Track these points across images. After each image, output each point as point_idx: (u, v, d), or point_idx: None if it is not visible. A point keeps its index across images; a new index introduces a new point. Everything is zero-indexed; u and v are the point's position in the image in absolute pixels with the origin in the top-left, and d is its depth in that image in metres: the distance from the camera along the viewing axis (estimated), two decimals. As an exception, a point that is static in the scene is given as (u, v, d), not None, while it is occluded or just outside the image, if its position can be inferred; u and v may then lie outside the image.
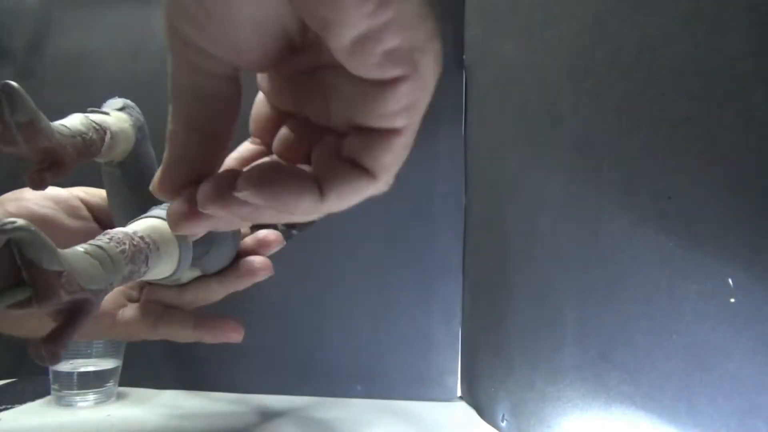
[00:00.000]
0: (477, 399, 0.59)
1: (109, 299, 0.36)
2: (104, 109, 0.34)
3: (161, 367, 0.66)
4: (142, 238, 0.27)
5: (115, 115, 0.34)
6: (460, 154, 0.65)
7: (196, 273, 0.35)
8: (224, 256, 0.35)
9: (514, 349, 0.49)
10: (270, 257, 0.65)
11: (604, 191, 0.36)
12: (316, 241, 0.66)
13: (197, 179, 0.20)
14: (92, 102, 0.34)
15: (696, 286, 0.28)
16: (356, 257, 0.65)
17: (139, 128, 0.35)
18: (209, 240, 0.32)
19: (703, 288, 0.28)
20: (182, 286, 0.36)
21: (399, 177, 0.72)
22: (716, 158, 0.27)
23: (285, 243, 0.40)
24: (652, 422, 0.31)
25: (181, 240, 0.29)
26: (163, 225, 0.28)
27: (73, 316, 0.22)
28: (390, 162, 0.19)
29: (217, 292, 0.37)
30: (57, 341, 0.21)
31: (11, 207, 0.36)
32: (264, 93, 0.23)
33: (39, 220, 0.36)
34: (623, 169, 0.34)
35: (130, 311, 0.37)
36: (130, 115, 0.35)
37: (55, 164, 0.27)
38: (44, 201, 0.37)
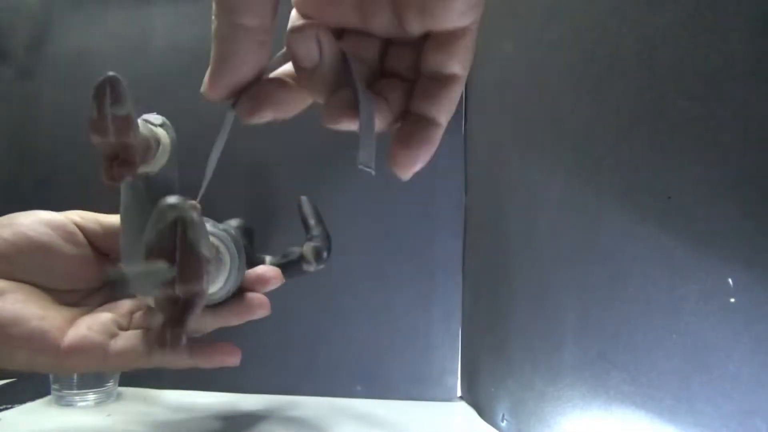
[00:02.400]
0: (477, 399, 0.59)
1: (99, 329, 0.36)
2: (151, 119, 0.34)
3: (160, 367, 0.66)
4: (217, 250, 0.28)
5: (159, 130, 0.34)
6: (460, 153, 0.65)
7: None
8: (228, 288, 0.35)
9: (514, 349, 0.49)
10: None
11: (604, 191, 0.36)
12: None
13: (245, 79, 0.21)
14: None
15: (696, 286, 0.28)
16: (356, 257, 0.65)
17: (174, 145, 0.35)
18: (234, 266, 0.33)
19: (703, 288, 0.28)
20: None
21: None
22: (716, 158, 0.27)
23: (284, 281, 0.40)
24: (652, 422, 0.31)
25: (234, 260, 0.29)
26: (222, 245, 0.28)
27: (188, 306, 0.22)
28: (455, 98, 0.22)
29: (209, 324, 0.37)
30: (180, 324, 0.21)
31: (5, 232, 0.35)
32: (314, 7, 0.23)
33: (35, 247, 0.35)
34: (623, 169, 0.34)
35: (122, 340, 0.36)
36: (168, 132, 0.35)
37: (127, 163, 0.27)
38: (40, 227, 0.36)
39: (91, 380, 0.58)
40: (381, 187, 0.65)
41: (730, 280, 0.26)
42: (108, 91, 0.25)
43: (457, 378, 0.64)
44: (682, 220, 0.29)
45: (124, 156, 0.27)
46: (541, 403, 0.43)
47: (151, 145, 0.31)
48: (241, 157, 0.68)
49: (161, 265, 0.20)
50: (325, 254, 0.44)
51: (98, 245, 0.39)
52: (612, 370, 0.35)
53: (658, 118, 0.31)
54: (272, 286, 0.38)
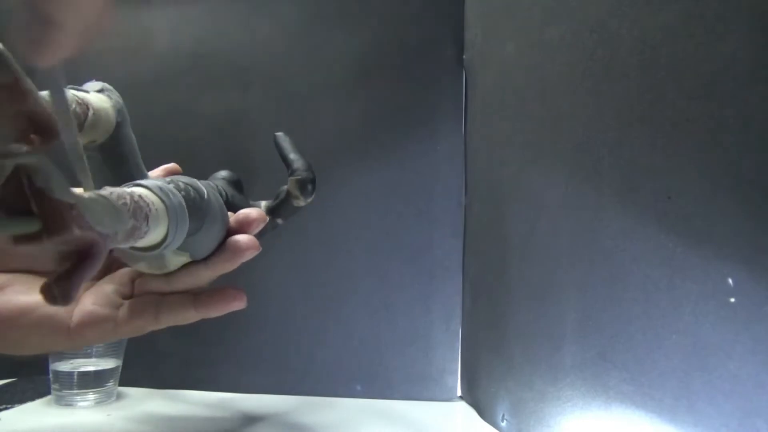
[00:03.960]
0: (477, 399, 0.59)
1: (104, 302, 0.36)
2: (83, 87, 0.34)
3: (161, 366, 0.66)
4: (140, 197, 0.26)
5: (95, 96, 0.33)
6: (460, 153, 0.65)
7: (184, 258, 0.35)
8: (213, 239, 0.35)
9: (514, 349, 0.49)
10: (270, 258, 0.65)
11: (603, 191, 0.36)
12: (316, 240, 0.66)
13: None
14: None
15: (696, 286, 0.28)
16: (356, 256, 0.65)
17: (119, 110, 0.35)
18: (203, 215, 0.32)
19: (703, 288, 0.28)
20: (170, 274, 0.36)
21: (400, 176, 0.72)
22: (716, 158, 0.27)
23: (267, 220, 0.39)
24: (652, 422, 0.31)
25: (176, 208, 0.28)
26: (152, 194, 0.27)
27: (83, 258, 0.20)
28: None
29: (204, 276, 0.36)
30: (69, 279, 0.20)
31: None
32: None
33: None
34: (623, 168, 0.34)
35: (127, 308, 0.36)
36: (110, 97, 0.34)
37: (45, 132, 0.26)
38: None
39: (91, 380, 0.58)
40: (381, 188, 0.65)
41: (730, 280, 0.26)
42: None
43: (457, 378, 0.64)
44: (682, 220, 0.29)
45: (37, 126, 0.26)
46: (541, 403, 0.43)
47: (76, 111, 0.30)
48: (242, 157, 0.68)
49: (17, 220, 0.18)
50: (309, 186, 0.43)
51: None
52: (612, 370, 0.35)
53: (658, 118, 0.31)
54: (258, 227, 0.38)
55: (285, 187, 0.44)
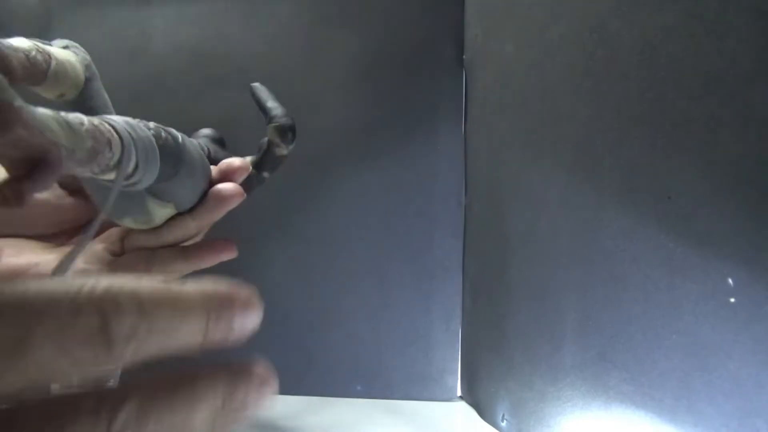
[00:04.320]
0: (477, 398, 0.59)
1: (94, 260, 0.36)
2: (36, 40, 0.34)
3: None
4: (101, 122, 0.26)
5: (59, 50, 0.33)
6: (460, 153, 0.65)
7: (169, 209, 0.35)
8: (194, 188, 0.35)
9: (514, 349, 0.49)
10: (270, 258, 0.65)
11: (603, 191, 0.36)
12: (316, 240, 0.66)
13: None
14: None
15: (696, 286, 0.28)
16: (356, 256, 0.65)
17: (86, 66, 0.35)
18: (178, 158, 0.32)
19: (703, 288, 0.28)
20: (158, 228, 0.36)
21: (400, 176, 0.72)
22: (716, 158, 0.27)
23: (250, 170, 0.39)
24: (652, 422, 0.31)
25: (144, 141, 0.29)
26: (114, 123, 0.27)
27: (38, 165, 0.20)
28: None
29: (191, 227, 0.36)
30: (22, 181, 0.20)
31: None
32: None
33: None
34: (623, 169, 0.34)
35: (118, 264, 0.36)
36: (76, 53, 0.35)
37: (4, 73, 0.26)
38: None
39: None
40: (381, 188, 0.65)
41: (730, 280, 0.26)
42: None
43: (457, 378, 0.64)
44: (682, 220, 0.29)
45: None
46: (541, 403, 0.43)
47: (34, 58, 0.30)
48: (245, 151, 0.68)
49: None
50: (289, 133, 0.43)
51: (67, 184, 0.39)
52: (612, 370, 0.35)
53: (658, 118, 0.31)
54: (241, 175, 0.38)
55: (265, 138, 0.43)
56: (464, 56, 0.65)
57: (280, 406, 0.60)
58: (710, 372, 0.27)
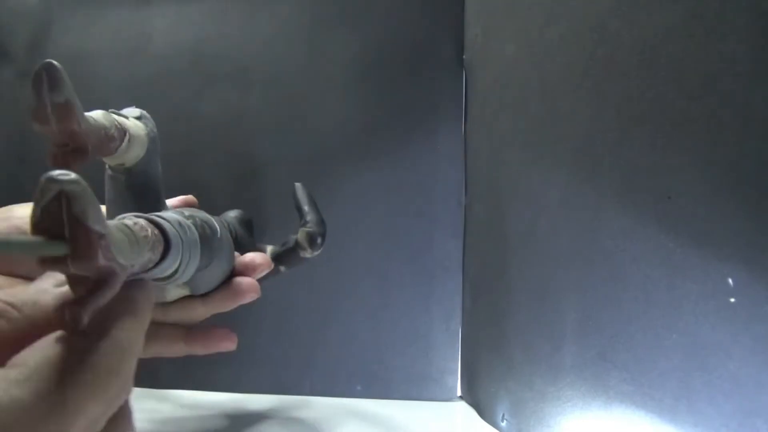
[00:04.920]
0: (477, 399, 0.59)
1: None
2: (123, 112, 0.34)
3: (157, 366, 0.66)
4: (160, 229, 0.27)
5: (132, 122, 0.34)
6: (460, 153, 0.65)
7: (184, 292, 0.35)
8: (217, 277, 0.35)
9: (514, 349, 0.49)
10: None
11: (603, 191, 0.36)
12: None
13: None
14: (92, 103, 0.34)
15: (696, 286, 0.28)
16: (356, 256, 0.65)
17: (152, 139, 0.35)
18: (214, 253, 0.32)
19: (703, 288, 0.28)
20: (166, 304, 0.36)
21: (400, 176, 0.72)
22: (716, 158, 0.27)
23: (272, 267, 0.40)
24: (652, 422, 0.31)
25: (189, 244, 0.29)
26: (167, 224, 0.28)
27: (100, 286, 0.21)
28: None
29: (200, 312, 0.37)
30: (83, 305, 0.20)
31: (2, 225, 0.35)
32: None
33: None
34: (623, 168, 0.34)
35: None
36: (146, 125, 0.35)
37: (78, 151, 0.27)
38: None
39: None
40: (382, 188, 0.65)
41: (730, 280, 0.26)
42: (45, 78, 0.26)
43: (457, 378, 0.64)
44: (682, 220, 0.29)
45: (74, 144, 0.27)
46: (541, 403, 0.43)
47: (112, 135, 0.31)
48: (242, 157, 0.68)
49: (48, 242, 0.19)
50: (319, 240, 0.44)
51: None
52: (612, 370, 0.35)
53: (658, 118, 0.31)
54: (261, 272, 0.38)
55: (294, 237, 0.44)
56: (464, 56, 0.65)
57: (279, 406, 0.61)
58: (710, 372, 0.27)
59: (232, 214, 0.43)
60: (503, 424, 0.51)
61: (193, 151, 0.68)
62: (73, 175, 0.19)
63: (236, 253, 0.38)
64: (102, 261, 0.20)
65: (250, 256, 0.38)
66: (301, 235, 0.44)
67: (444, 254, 0.65)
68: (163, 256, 0.27)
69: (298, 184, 0.47)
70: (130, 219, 0.25)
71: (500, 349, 0.52)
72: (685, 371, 0.29)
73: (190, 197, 0.44)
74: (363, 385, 0.64)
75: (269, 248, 0.44)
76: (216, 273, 0.35)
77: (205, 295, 0.36)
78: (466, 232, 0.64)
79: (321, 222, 0.44)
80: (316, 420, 0.56)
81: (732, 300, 0.26)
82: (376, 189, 0.65)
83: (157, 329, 0.36)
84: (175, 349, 0.37)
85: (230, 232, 0.39)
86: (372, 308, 0.65)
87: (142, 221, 0.26)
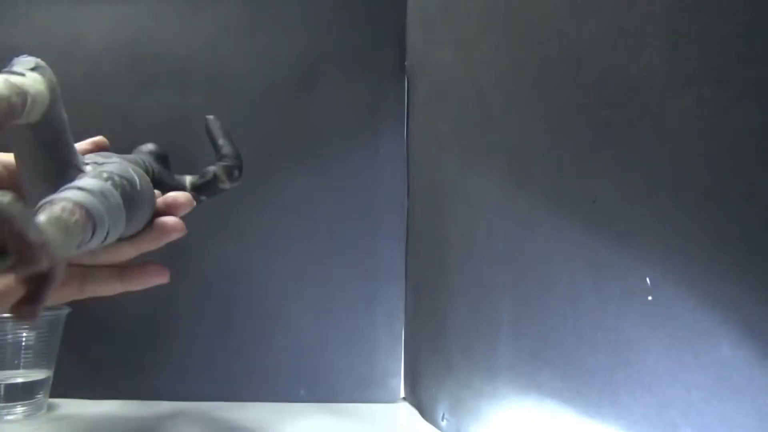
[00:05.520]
0: (419, 399, 0.60)
1: None
2: (17, 68, 0.33)
3: (95, 376, 0.64)
4: (87, 210, 0.28)
5: (30, 77, 0.32)
6: (402, 157, 0.66)
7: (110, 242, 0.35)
8: (140, 220, 0.35)
9: (454, 350, 0.50)
10: (209, 261, 0.64)
11: (535, 195, 0.37)
12: (257, 242, 0.65)
13: None
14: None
15: (618, 285, 0.30)
16: (299, 260, 0.65)
17: (52, 89, 0.34)
18: (135, 205, 0.33)
19: (624, 287, 0.29)
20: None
21: (342, 180, 0.72)
22: (634, 164, 0.29)
23: (194, 205, 0.40)
24: (579, 416, 0.32)
25: (114, 211, 0.30)
26: (91, 199, 0.28)
27: (44, 281, 0.24)
28: None
29: (128, 252, 0.37)
30: (35, 300, 0.24)
31: None
32: None
33: None
34: (553, 174, 0.36)
35: None
36: (44, 75, 0.34)
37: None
38: None
39: (20, 392, 0.56)
40: (324, 191, 0.65)
41: (647, 279, 0.28)
42: None
43: (401, 379, 0.65)
44: (605, 223, 0.31)
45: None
46: (478, 401, 0.44)
47: (14, 103, 0.30)
48: (179, 160, 0.66)
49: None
50: (236, 173, 0.45)
51: (7, 187, 0.38)
52: (543, 368, 0.36)
53: (584, 126, 0.33)
54: (185, 210, 0.39)
55: (212, 169, 0.44)
56: (406, 62, 0.66)
57: (222, 413, 0.60)
58: (631, 366, 0.29)
59: (147, 149, 0.43)
60: (443, 423, 0.52)
61: (127, 151, 0.66)
62: (7, 198, 0.22)
63: (157, 192, 0.38)
64: (45, 263, 0.23)
65: (173, 196, 0.38)
66: (219, 169, 0.44)
67: (387, 257, 0.65)
68: (93, 232, 0.28)
69: (210, 117, 0.48)
70: (58, 204, 0.26)
71: (441, 350, 0.53)
72: (609, 367, 0.30)
73: (100, 139, 0.43)
74: (306, 389, 0.64)
75: (188, 179, 0.45)
76: (139, 219, 0.35)
77: (131, 237, 0.36)
78: (409, 235, 0.65)
79: (237, 155, 0.46)
80: (259, 425, 0.55)
81: (650, 298, 0.28)
82: (319, 192, 0.65)
83: (90, 271, 0.36)
84: (111, 287, 0.37)
85: (147, 170, 0.39)
86: (315, 312, 0.65)
87: (69, 205, 0.27)
